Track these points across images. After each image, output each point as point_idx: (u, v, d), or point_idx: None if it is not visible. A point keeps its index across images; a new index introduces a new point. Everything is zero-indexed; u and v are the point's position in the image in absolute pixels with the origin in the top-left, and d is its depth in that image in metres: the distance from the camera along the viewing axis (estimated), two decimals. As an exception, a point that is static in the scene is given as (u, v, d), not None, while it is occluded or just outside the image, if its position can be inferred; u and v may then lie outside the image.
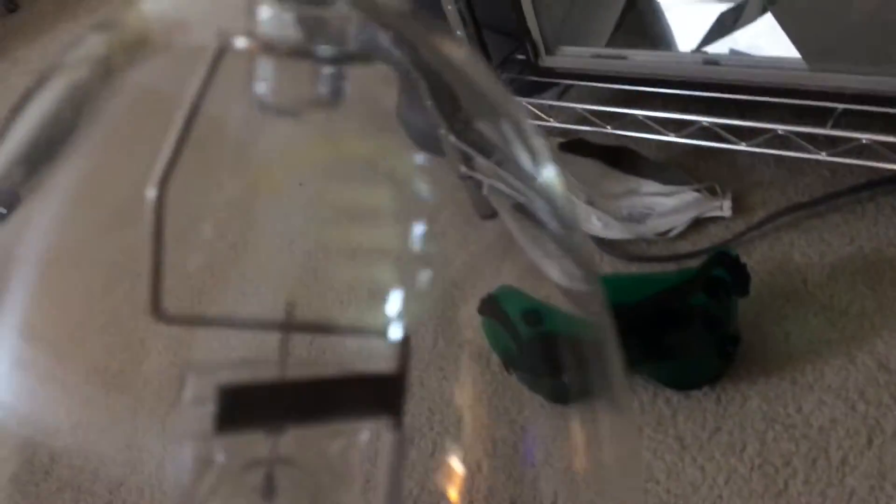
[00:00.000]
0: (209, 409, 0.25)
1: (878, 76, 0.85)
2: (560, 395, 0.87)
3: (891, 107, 0.84)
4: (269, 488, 0.27)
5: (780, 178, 1.07)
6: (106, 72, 0.30)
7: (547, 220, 0.30)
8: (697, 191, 1.06)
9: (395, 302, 0.25)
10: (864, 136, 0.86)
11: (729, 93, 0.95)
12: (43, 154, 0.28)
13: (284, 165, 0.26)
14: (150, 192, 0.23)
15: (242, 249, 0.29)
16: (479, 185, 1.07)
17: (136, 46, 0.30)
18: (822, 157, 0.89)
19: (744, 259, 0.86)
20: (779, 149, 0.93)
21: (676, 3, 1.14)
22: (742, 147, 0.94)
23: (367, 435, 0.27)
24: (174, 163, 0.23)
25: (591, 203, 1.05)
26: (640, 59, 1.03)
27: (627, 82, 1.03)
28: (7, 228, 0.28)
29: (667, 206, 1.05)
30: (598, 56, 1.06)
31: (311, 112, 0.26)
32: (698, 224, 1.05)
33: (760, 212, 1.04)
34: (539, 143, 0.30)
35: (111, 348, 0.29)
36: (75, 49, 0.30)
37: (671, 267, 1.01)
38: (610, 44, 1.09)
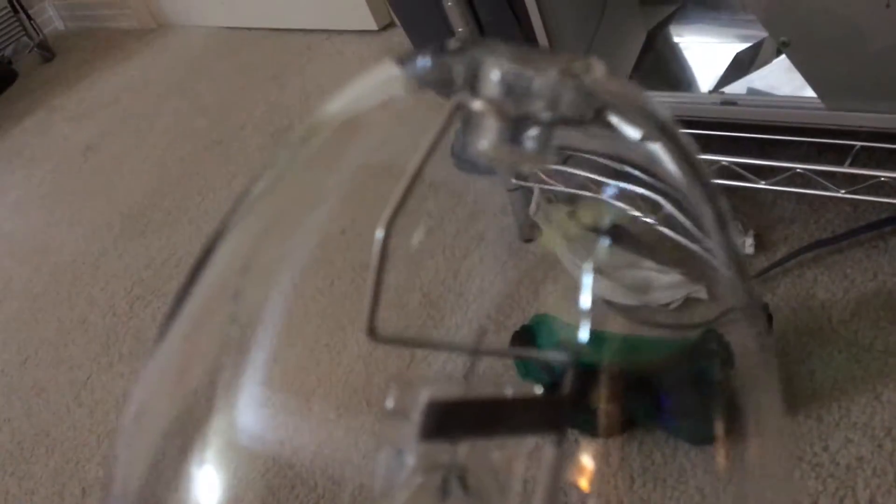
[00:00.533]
0: (410, 419, 0.29)
1: (895, 113, 0.85)
2: (598, 430, 0.87)
3: (909, 143, 0.85)
4: (444, 490, 0.31)
5: (802, 213, 1.07)
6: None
7: (659, 203, 0.33)
8: (683, 274, 1.06)
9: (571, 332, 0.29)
10: (883, 174, 0.86)
11: (747, 132, 0.96)
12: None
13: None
14: (378, 233, 0.26)
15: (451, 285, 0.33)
16: (527, 199, 1.10)
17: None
18: (842, 194, 0.90)
19: (767, 297, 0.87)
20: (799, 186, 0.94)
21: (694, 43, 1.15)
22: (762, 185, 0.95)
23: (529, 448, 0.31)
24: (401, 206, 0.27)
25: (599, 271, 1.06)
26: (658, 100, 1.04)
27: (647, 123, 1.04)
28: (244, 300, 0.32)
29: (662, 282, 1.05)
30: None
31: (527, 167, 0.31)
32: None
33: (783, 248, 1.04)
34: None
35: (338, 377, 0.34)
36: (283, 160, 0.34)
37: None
38: (629, 86, 1.10)
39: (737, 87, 1.03)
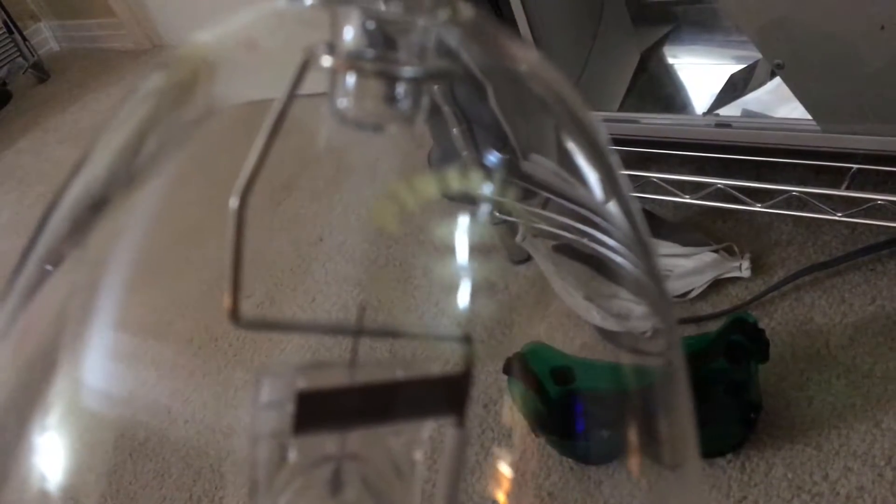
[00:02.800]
0: (285, 411, 0.26)
1: (891, 136, 0.84)
2: (593, 457, 0.86)
3: (906, 166, 0.84)
4: (336, 483, 0.28)
5: (799, 236, 1.06)
6: (172, 103, 0.31)
7: (615, 250, 0.31)
8: (715, 251, 1.05)
9: (458, 305, 0.27)
10: (879, 197, 0.85)
11: (743, 154, 0.95)
12: (91, 210, 0.29)
13: (361, 178, 0.27)
14: (233, 202, 0.24)
15: (316, 259, 0.31)
16: (513, 230, 1.08)
17: (200, 73, 0.31)
18: (839, 217, 0.89)
19: (764, 322, 0.85)
20: (795, 209, 0.92)
21: (688, 64, 1.14)
22: (758, 208, 0.94)
23: (429, 432, 0.29)
24: (256, 175, 0.24)
25: (589, 299, 1.04)
26: (652, 122, 1.03)
27: (641, 145, 1.04)
28: (99, 239, 0.30)
29: (686, 268, 1.04)
30: (611, 120, 1.07)
31: (391, 126, 0.27)
32: (717, 285, 1.04)
33: (780, 271, 1.03)
34: (615, 160, 0.31)
35: (197, 347, 0.31)
36: (132, 96, 0.31)
37: (690, 330, 1.00)
38: (622, 108, 1.09)
39: (732, 109, 1.02)
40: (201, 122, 0.31)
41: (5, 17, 2.91)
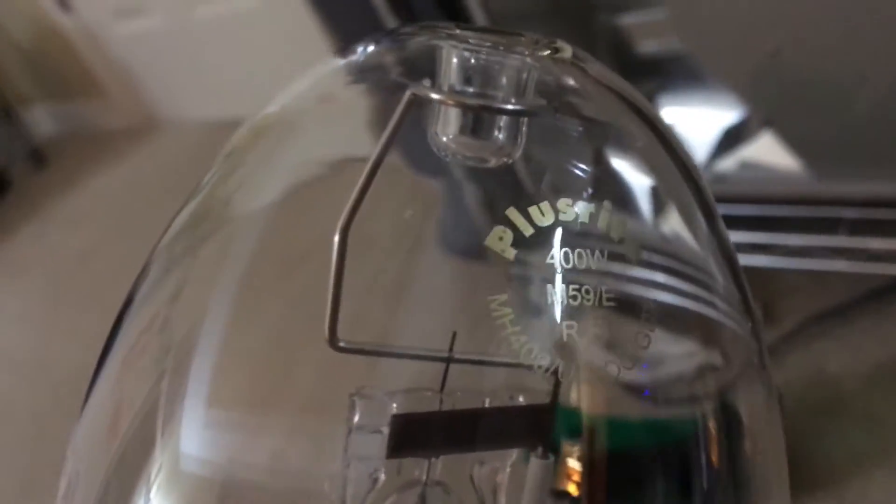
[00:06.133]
0: (378, 434, 0.27)
1: (888, 181, 0.85)
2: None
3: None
4: None
5: (806, 283, 1.06)
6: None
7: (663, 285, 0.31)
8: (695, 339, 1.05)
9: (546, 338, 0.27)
10: (877, 245, 0.85)
11: (742, 203, 0.96)
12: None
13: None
14: (335, 237, 0.26)
15: (410, 288, 0.32)
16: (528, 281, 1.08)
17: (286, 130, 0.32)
18: (841, 266, 0.89)
19: (777, 374, 0.85)
20: (798, 258, 0.93)
21: (681, 117, 1.15)
22: (759, 262, 0.94)
23: (513, 461, 0.29)
24: (356, 209, 0.26)
25: (608, 347, 1.04)
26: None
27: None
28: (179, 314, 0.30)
29: (674, 352, 1.04)
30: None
31: (493, 160, 0.28)
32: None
33: (789, 320, 1.03)
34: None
35: (291, 386, 0.32)
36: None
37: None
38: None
39: (728, 162, 1.03)
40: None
41: (1, 104, 2.94)
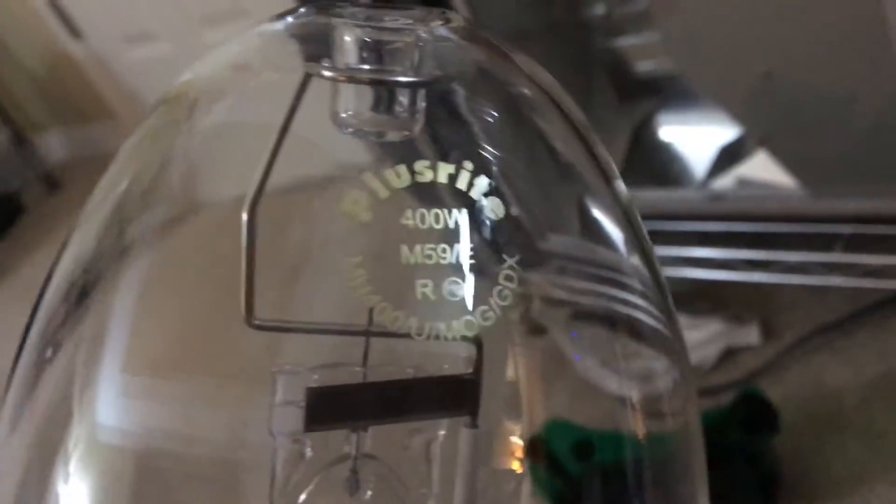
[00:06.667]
0: (299, 409, 0.27)
1: (882, 197, 0.86)
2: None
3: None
4: (354, 481, 0.29)
5: (805, 298, 1.07)
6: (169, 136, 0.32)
7: (638, 308, 0.31)
8: (725, 320, 1.06)
9: (468, 309, 0.27)
10: (873, 261, 0.86)
11: (738, 223, 0.97)
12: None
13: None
14: (244, 215, 0.26)
15: (324, 262, 0.32)
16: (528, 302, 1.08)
17: (198, 101, 0.32)
18: (838, 282, 0.90)
19: (777, 388, 0.86)
20: (796, 275, 0.94)
21: (679, 136, 1.16)
22: (757, 278, 0.95)
23: (444, 432, 0.29)
24: (261, 189, 0.26)
25: (605, 365, 1.05)
26: (647, 197, 1.05)
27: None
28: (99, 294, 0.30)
29: (696, 339, 1.05)
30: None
31: (392, 134, 0.28)
32: (729, 354, 1.05)
33: (789, 335, 1.04)
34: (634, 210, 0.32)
35: (209, 359, 0.32)
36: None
37: (706, 401, 1.01)
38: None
39: (726, 180, 1.04)
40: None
41: (13, 130, 2.97)
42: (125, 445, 0.29)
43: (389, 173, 0.26)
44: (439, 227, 0.27)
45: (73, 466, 0.28)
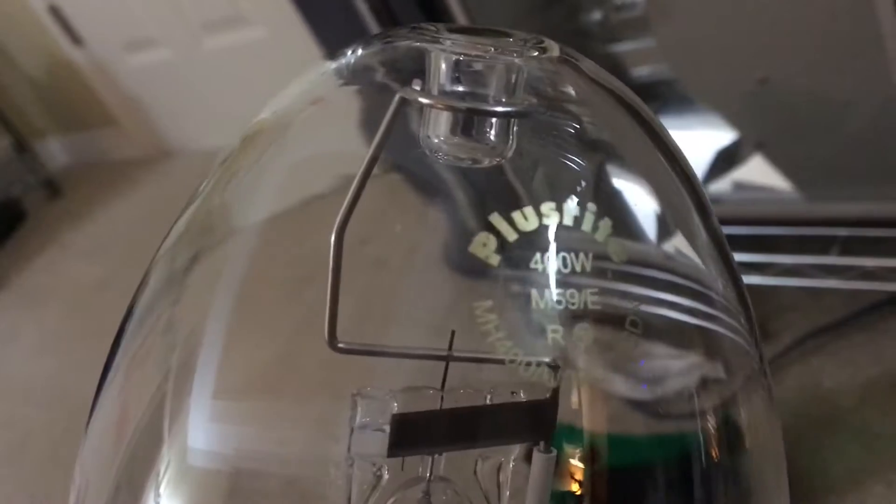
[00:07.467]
0: (380, 433, 0.28)
1: (877, 201, 0.87)
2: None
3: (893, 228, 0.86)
4: (426, 503, 0.30)
5: (801, 300, 1.08)
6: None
7: (670, 295, 0.30)
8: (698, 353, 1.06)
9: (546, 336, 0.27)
10: (869, 263, 0.87)
11: (735, 227, 0.97)
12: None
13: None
14: (332, 238, 0.26)
15: (406, 288, 0.32)
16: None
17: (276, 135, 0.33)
18: (834, 284, 0.91)
19: (774, 390, 0.87)
20: (793, 278, 0.95)
21: (680, 141, 1.17)
22: (754, 281, 0.96)
23: (516, 456, 0.30)
24: (351, 210, 0.26)
25: (613, 368, 1.06)
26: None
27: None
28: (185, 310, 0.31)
29: (678, 367, 1.06)
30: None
31: (485, 160, 0.28)
32: (726, 356, 1.06)
33: (785, 336, 1.04)
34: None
35: (293, 381, 0.32)
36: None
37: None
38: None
39: (722, 184, 1.05)
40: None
41: (15, 137, 2.97)
42: (215, 467, 0.30)
43: (517, 215, 0.26)
44: (567, 270, 0.27)
45: (164, 489, 0.28)
